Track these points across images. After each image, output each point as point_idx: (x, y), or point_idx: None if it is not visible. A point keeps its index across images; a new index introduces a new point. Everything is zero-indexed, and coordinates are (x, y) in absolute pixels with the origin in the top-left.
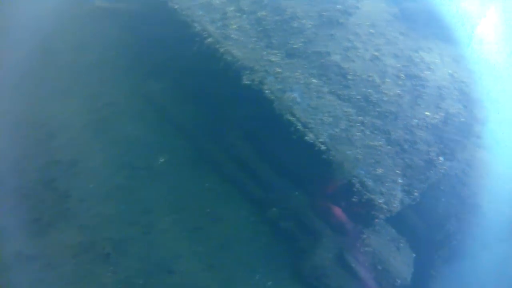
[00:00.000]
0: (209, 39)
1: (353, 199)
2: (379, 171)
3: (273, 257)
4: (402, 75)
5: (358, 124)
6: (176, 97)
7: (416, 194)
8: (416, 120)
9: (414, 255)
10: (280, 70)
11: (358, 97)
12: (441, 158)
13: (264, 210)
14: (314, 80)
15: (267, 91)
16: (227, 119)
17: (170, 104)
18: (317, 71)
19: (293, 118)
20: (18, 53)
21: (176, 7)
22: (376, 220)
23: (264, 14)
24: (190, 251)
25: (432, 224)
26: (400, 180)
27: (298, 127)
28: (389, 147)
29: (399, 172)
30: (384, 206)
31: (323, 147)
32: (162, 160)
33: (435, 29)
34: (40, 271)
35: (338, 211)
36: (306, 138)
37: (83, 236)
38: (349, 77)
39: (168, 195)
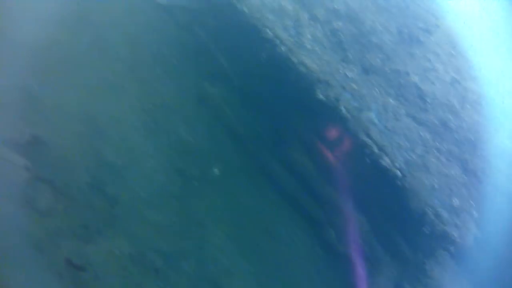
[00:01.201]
0: (282, 47)
1: (425, 230)
2: (455, 202)
3: (329, 285)
4: (482, 101)
5: (435, 151)
6: (235, 103)
7: (490, 229)
8: (495, 150)
9: None
10: (356, 87)
11: (436, 121)
12: None
13: (322, 232)
14: (391, 101)
15: (342, 109)
16: (291, 132)
17: (228, 110)
18: (394, 91)
19: (369, 140)
20: (74, 45)
21: (245, 9)
22: (445, 252)
23: (340, 25)
24: (243, 270)
25: (504, 263)
26: (475, 213)
27: (373, 149)
28: (465, 176)
29: (474, 204)
30: (458, 239)
31: (398, 173)
32: (217, 170)
33: None
34: (87, 283)
35: (404, 240)
36: (381, 162)
37: (132, 246)
38: (428, 100)
39: (223, 208)
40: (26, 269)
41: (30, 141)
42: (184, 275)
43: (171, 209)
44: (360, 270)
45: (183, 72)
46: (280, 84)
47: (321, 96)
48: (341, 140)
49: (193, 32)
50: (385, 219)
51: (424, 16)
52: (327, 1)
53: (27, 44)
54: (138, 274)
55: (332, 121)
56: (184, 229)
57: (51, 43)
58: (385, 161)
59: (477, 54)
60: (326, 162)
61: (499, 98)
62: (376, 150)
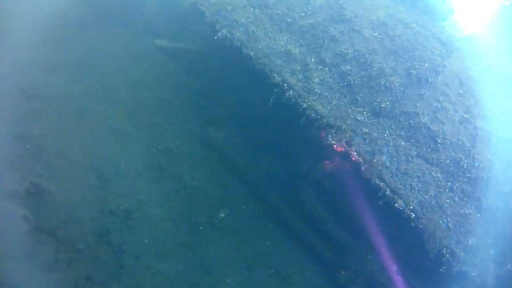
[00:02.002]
0: (290, 92)
1: (443, 270)
2: (471, 241)
3: None
4: (493, 139)
5: (448, 191)
6: (240, 146)
7: (508, 266)
8: (508, 187)
9: None
10: (367, 130)
11: (447, 161)
12: None
13: (336, 275)
14: (402, 142)
15: (354, 153)
16: (301, 176)
17: (233, 154)
18: (405, 133)
19: (382, 183)
20: (76, 90)
21: (251, 54)
22: None
23: (348, 68)
24: None
25: None
26: (492, 251)
27: (386, 192)
28: (480, 215)
29: (490, 242)
30: (476, 278)
31: (413, 215)
32: (223, 214)
33: None
34: None
35: (421, 281)
36: (395, 204)
37: None
38: (438, 140)
39: (231, 254)
40: None
41: (30, 190)
42: None
43: (179, 257)
44: None
45: (187, 116)
46: (289, 129)
47: (332, 141)
48: (353, 184)
49: (196, 76)
50: (401, 261)
51: (431, 56)
52: (334, 45)
53: (28, 90)
54: None
55: (344, 165)
56: (193, 278)
57: (52, 88)
58: (399, 204)
59: (485, 92)
60: (338, 206)
61: (509, 135)
62: (389, 193)
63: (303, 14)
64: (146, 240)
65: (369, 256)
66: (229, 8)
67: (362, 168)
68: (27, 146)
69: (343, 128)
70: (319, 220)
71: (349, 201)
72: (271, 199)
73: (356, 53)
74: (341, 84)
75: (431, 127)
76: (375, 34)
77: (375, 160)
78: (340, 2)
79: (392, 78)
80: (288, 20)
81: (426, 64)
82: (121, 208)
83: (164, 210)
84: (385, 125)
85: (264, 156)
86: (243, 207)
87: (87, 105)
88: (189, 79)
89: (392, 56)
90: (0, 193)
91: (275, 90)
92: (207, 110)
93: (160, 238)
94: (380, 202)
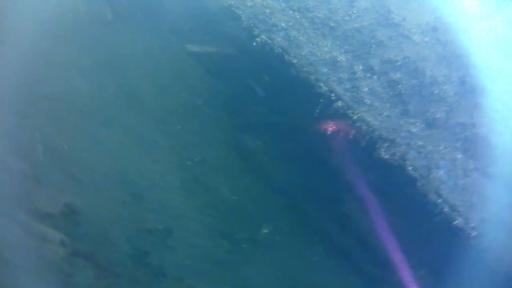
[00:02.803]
0: (338, 103)
1: None
2: None
3: None
4: None
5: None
6: (279, 157)
7: None
8: None
9: None
10: (422, 143)
11: (508, 174)
12: None
13: None
14: (459, 156)
15: (410, 168)
16: (347, 190)
17: (272, 165)
18: (461, 145)
19: (440, 199)
20: (102, 98)
21: (295, 61)
22: None
23: (398, 76)
24: None
25: None
26: None
27: (444, 209)
28: None
29: None
30: None
31: (474, 233)
32: (265, 230)
33: None
34: None
35: None
36: (454, 222)
37: None
38: (497, 152)
39: (274, 271)
40: None
41: (64, 212)
42: None
43: (220, 277)
44: None
45: (221, 125)
46: (336, 141)
47: (385, 155)
48: (410, 201)
49: (229, 82)
50: (462, 284)
51: (487, 63)
52: (382, 51)
53: (51, 96)
54: None
55: (399, 182)
56: None
57: (76, 95)
58: (458, 221)
59: None
60: (392, 225)
61: None
62: (447, 209)
63: (347, 18)
64: (187, 261)
65: (429, 279)
66: (267, 11)
67: (418, 183)
68: (56, 162)
69: (396, 141)
70: (366, 235)
71: (406, 221)
72: (315, 212)
73: (406, 60)
74: (391, 93)
75: (489, 138)
76: (425, 39)
77: (431, 175)
78: (387, 4)
79: (445, 86)
80: (331, 24)
81: (482, 71)
82: (159, 226)
83: (203, 227)
84: (440, 137)
85: (307, 169)
86: (285, 221)
87: (114, 114)
88: (221, 85)
89: (444, 62)
90: (35, 216)
91: (321, 100)
92: (242, 118)
93: (201, 257)
94: (438, 219)
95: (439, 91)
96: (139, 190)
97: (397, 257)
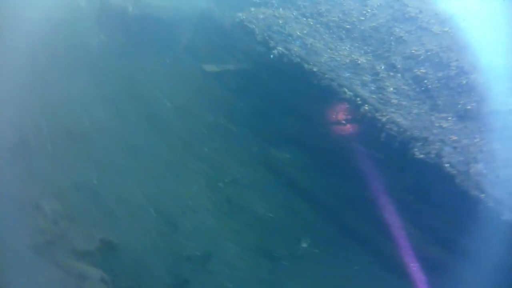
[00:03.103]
0: (365, 106)
1: None
2: None
3: None
4: None
5: None
6: (308, 168)
7: None
8: None
9: None
10: (456, 138)
11: None
12: None
13: None
14: (497, 146)
15: (446, 165)
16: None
17: (302, 176)
18: (498, 135)
19: (482, 194)
20: (125, 124)
21: (315, 69)
22: None
23: (423, 71)
24: None
25: None
26: None
27: (489, 204)
28: None
29: None
30: None
31: None
32: (304, 244)
33: None
34: None
35: None
36: (502, 217)
37: None
38: None
39: (320, 285)
40: None
41: (101, 248)
42: None
43: None
44: None
45: (247, 141)
46: (367, 146)
47: (420, 155)
48: (451, 199)
49: (249, 97)
50: None
51: None
52: (402, 47)
53: (74, 130)
54: None
55: (438, 181)
56: None
57: (98, 126)
58: (506, 215)
59: None
60: (436, 228)
61: None
62: (492, 204)
63: (362, 18)
64: (229, 285)
65: (473, 273)
66: (280, 22)
67: (458, 180)
68: (88, 198)
69: (430, 139)
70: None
71: (447, 220)
72: (352, 221)
73: (428, 53)
74: (417, 89)
75: None
76: (445, 29)
77: (470, 170)
78: None
79: (473, 75)
80: (347, 26)
81: (510, 56)
82: (197, 252)
83: (242, 248)
84: (474, 129)
85: (339, 176)
86: (322, 232)
87: (138, 141)
88: (241, 101)
89: (468, 51)
90: (74, 255)
91: (347, 106)
92: (266, 132)
93: (243, 280)
94: (483, 215)
95: (467, 80)
96: (173, 218)
97: (446, 260)
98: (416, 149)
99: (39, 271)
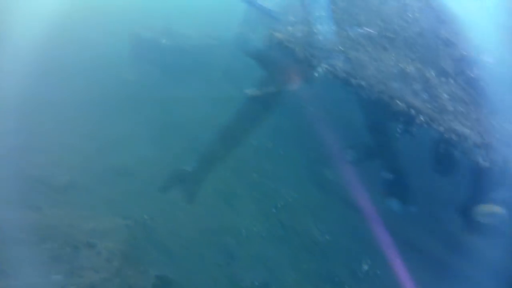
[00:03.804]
0: (420, 117)
1: None
2: None
3: None
4: None
5: None
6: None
7: None
8: None
9: None
10: None
11: None
12: None
13: None
14: None
15: None
16: (451, 211)
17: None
18: None
19: None
20: (165, 156)
21: (362, 83)
22: None
23: (477, 73)
24: None
25: None
26: None
27: None
28: None
29: None
30: None
31: None
32: (366, 266)
33: None
34: None
35: None
36: None
37: None
38: None
39: None
40: None
41: (157, 285)
42: None
43: None
44: None
45: (295, 162)
46: (428, 160)
47: (486, 163)
48: None
49: (293, 117)
50: None
51: None
52: (451, 50)
53: (118, 167)
54: None
55: (506, 190)
56: None
57: (142, 161)
58: None
59: None
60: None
61: None
62: None
63: (404, 24)
64: None
65: None
66: (320, 38)
67: None
68: (140, 234)
69: (493, 145)
70: (481, 256)
71: None
72: (416, 238)
73: (479, 51)
74: (473, 93)
75: None
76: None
77: None
78: None
79: None
80: (390, 35)
81: None
82: (255, 282)
83: (302, 274)
84: None
85: (398, 194)
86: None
87: (185, 173)
88: (289, 123)
89: None
90: None
91: (400, 118)
92: (314, 152)
93: None
94: None
95: None
96: (229, 248)
97: None
98: (480, 157)
99: None
